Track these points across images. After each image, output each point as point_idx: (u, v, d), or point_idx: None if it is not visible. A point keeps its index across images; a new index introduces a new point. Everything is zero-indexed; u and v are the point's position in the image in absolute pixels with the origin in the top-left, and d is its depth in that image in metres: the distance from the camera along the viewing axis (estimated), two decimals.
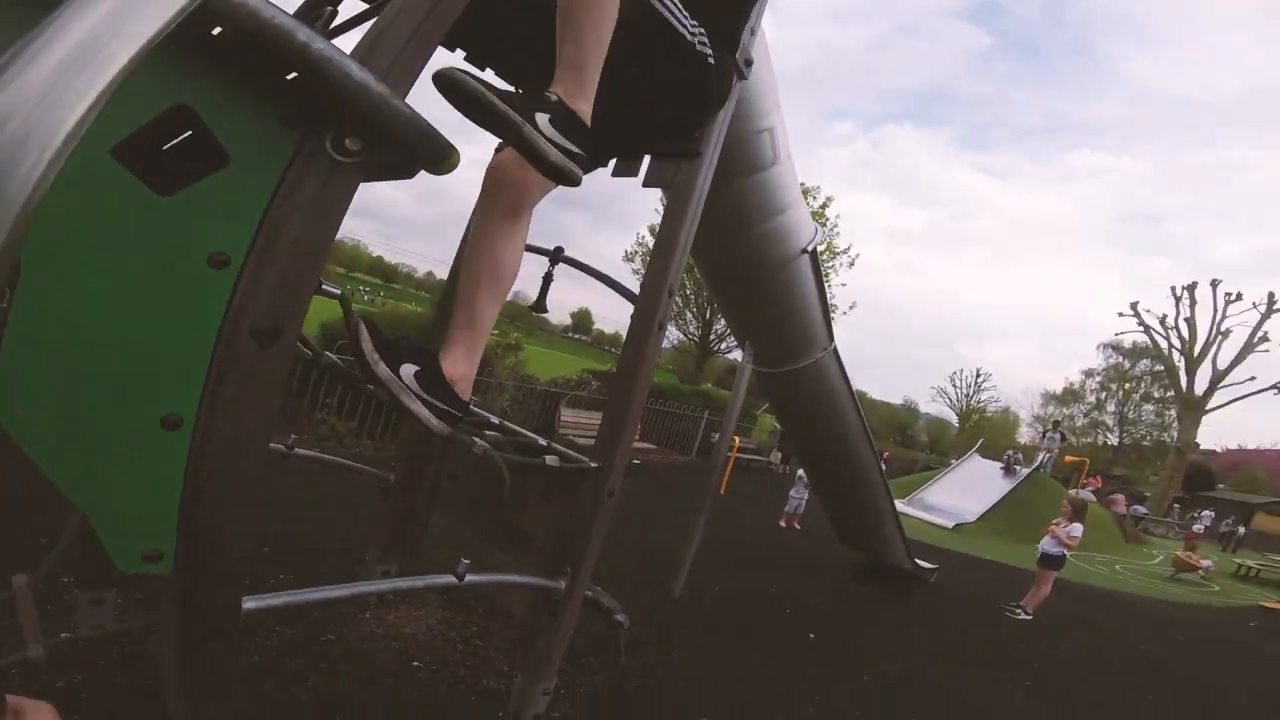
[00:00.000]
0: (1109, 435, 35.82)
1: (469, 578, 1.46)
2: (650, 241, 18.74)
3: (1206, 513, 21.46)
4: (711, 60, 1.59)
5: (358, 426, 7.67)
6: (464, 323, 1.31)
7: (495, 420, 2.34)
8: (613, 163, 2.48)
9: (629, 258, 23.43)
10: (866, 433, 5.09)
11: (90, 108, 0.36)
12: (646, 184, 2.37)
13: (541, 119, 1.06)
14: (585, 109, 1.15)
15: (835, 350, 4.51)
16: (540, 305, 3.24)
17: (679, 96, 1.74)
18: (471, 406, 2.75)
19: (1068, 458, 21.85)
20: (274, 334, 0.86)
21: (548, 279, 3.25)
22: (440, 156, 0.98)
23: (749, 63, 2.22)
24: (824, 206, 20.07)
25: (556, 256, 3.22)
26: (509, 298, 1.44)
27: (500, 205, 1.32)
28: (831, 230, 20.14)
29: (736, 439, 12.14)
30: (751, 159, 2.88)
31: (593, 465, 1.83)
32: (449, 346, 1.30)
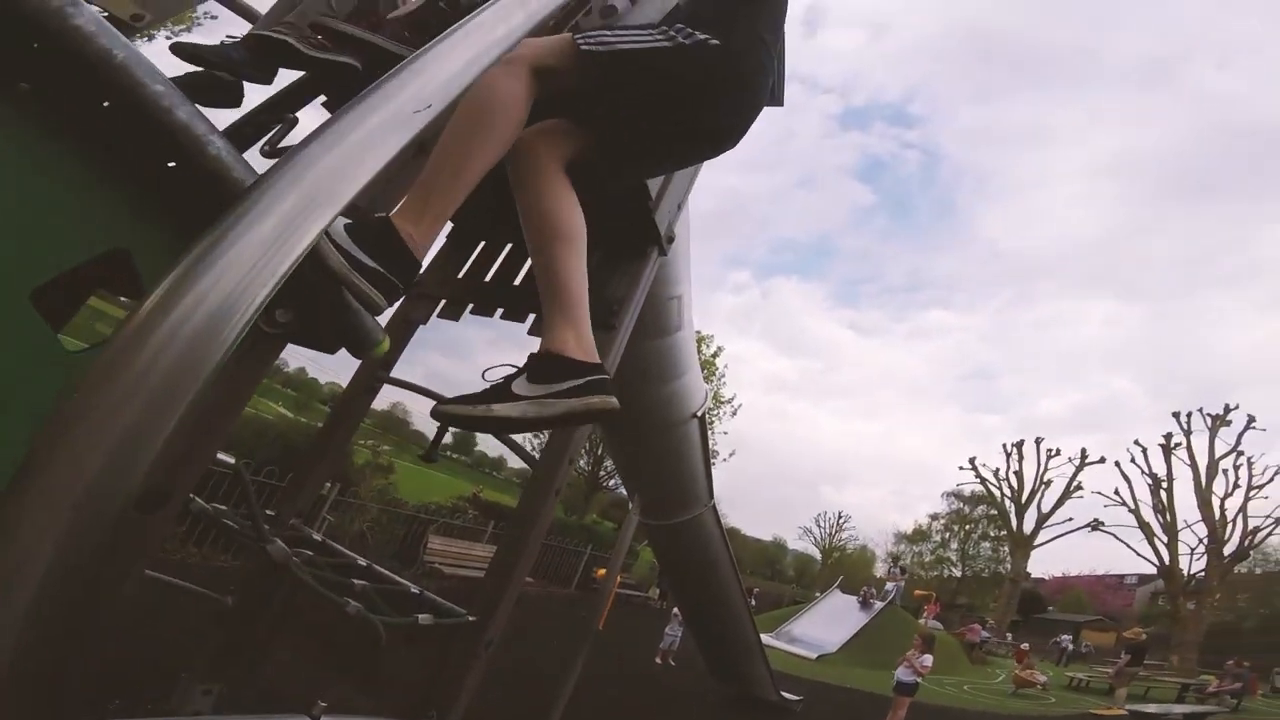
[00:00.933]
0: (953, 569, 39.95)
1: None
2: None
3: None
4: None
5: (184, 531, 6.53)
6: (546, 288, 1.16)
7: (363, 563, 2.13)
8: (531, 318, 2.57)
9: None
10: (737, 578, 5.64)
11: None
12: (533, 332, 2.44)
13: (338, 222, 0.88)
14: (418, 236, 0.98)
15: (714, 506, 4.85)
16: (433, 455, 3.09)
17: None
18: (328, 541, 2.44)
19: (916, 591, 23.73)
20: (160, 500, 0.77)
21: (442, 430, 3.13)
22: (367, 344, 0.96)
23: (671, 239, 2.48)
24: (715, 355, 21.72)
25: None
26: (389, 408, 1.27)
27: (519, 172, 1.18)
28: (719, 378, 21.65)
29: (620, 576, 12.06)
30: (659, 323, 3.13)
31: (469, 618, 1.72)
32: (554, 332, 1.12)
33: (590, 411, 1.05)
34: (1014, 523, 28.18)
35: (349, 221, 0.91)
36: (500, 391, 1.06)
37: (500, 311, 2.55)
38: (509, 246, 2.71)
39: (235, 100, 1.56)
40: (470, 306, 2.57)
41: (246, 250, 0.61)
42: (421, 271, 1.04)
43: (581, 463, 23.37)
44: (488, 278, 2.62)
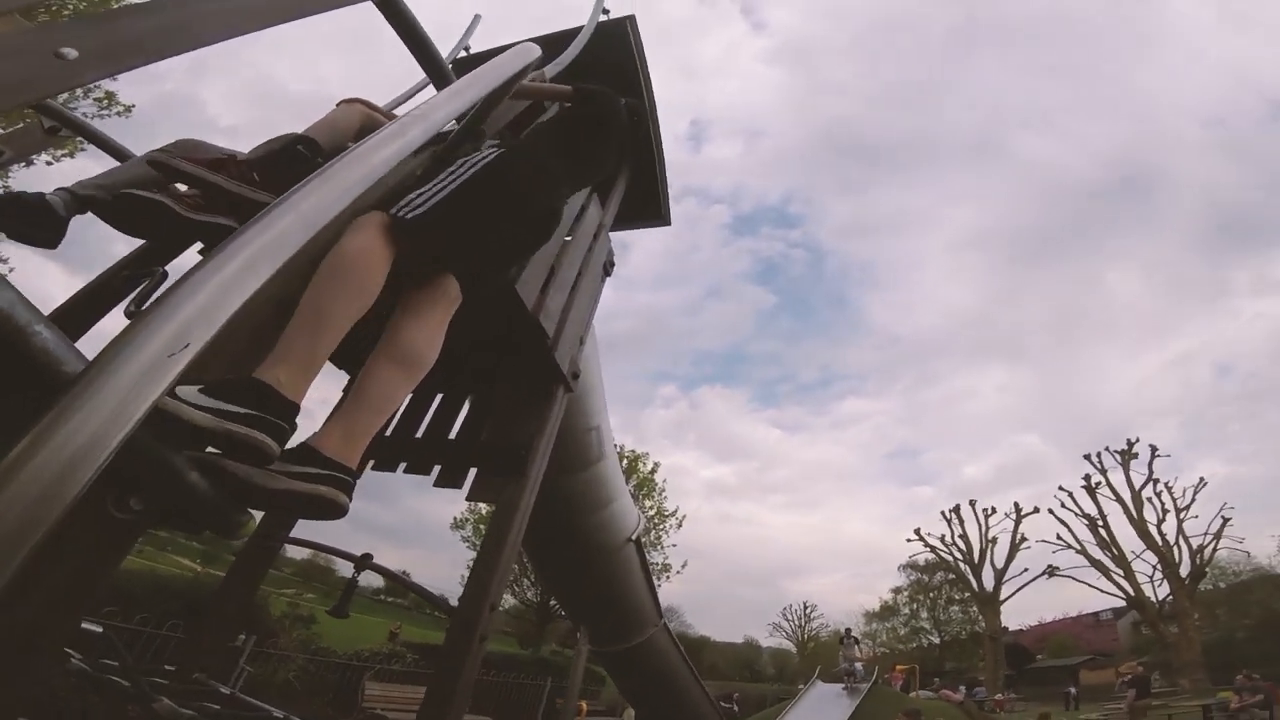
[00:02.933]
0: (930, 637, 38.93)
1: None
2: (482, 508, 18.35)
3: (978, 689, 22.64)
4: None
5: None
6: (352, 395, 1.15)
7: (279, 714, 2.12)
8: (436, 470, 2.47)
9: (458, 524, 22.61)
10: (704, 691, 5.54)
11: None
12: (471, 499, 2.38)
13: (188, 390, 0.86)
14: (287, 387, 0.97)
15: (665, 625, 4.70)
16: (342, 610, 2.84)
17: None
18: (238, 694, 2.25)
19: (898, 666, 23.06)
20: None
21: (352, 585, 2.91)
22: (231, 528, 0.93)
23: (575, 375, 2.49)
24: (653, 472, 21.49)
25: (363, 564, 2.93)
26: (311, 556, 1.18)
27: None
28: (660, 494, 21.37)
29: (584, 704, 11.84)
30: (579, 456, 3.08)
31: None
32: (328, 426, 1.10)
33: (313, 496, 1.00)
34: (974, 583, 28.35)
35: (204, 385, 0.89)
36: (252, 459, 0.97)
37: (437, 470, 2.44)
38: (438, 399, 2.70)
39: (52, 237, 1.46)
40: (403, 465, 2.48)
41: (64, 438, 0.53)
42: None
43: (530, 594, 22.27)
44: (419, 433, 2.59)
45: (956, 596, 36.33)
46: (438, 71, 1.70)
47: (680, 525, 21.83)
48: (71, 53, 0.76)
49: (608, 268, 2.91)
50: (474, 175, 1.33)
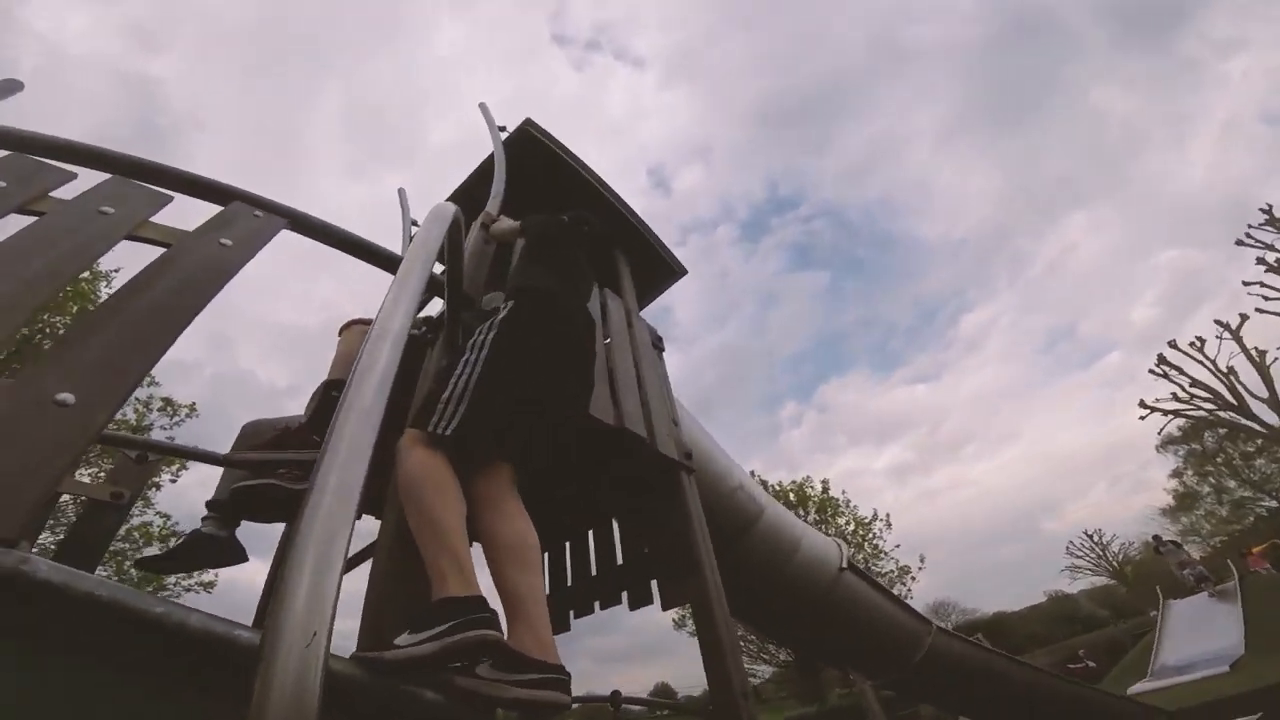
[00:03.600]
0: (1260, 505, 30.90)
1: None
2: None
3: None
4: None
5: None
6: (507, 604, 1.18)
7: None
8: (625, 596, 2.54)
9: (679, 624, 22.08)
10: (1032, 669, 4.96)
11: None
12: (666, 608, 2.38)
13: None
14: (460, 590, 1.06)
15: (940, 628, 4.33)
16: None
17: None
18: None
19: (1253, 548, 18.49)
20: None
21: None
22: None
23: (688, 454, 2.48)
24: (825, 491, 19.91)
25: (616, 701, 2.95)
26: None
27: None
28: (848, 506, 19.63)
29: None
30: (740, 518, 3.00)
31: None
32: (514, 638, 1.12)
33: (542, 702, 1.03)
34: (1257, 424, 22.97)
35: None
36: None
37: (597, 604, 2.63)
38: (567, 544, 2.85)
39: (238, 557, 1.80)
40: (597, 604, 2.63)
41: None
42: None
43: (783, 655, 21.03)
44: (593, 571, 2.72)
45: (1248, 449, 29.22)
46: (388, 262, 1.74)
47: (889, 524, 19.83)
48: (69, 398, 0.80)
49: (658, 344, 2.94)
50: (488, 359, 1.37)
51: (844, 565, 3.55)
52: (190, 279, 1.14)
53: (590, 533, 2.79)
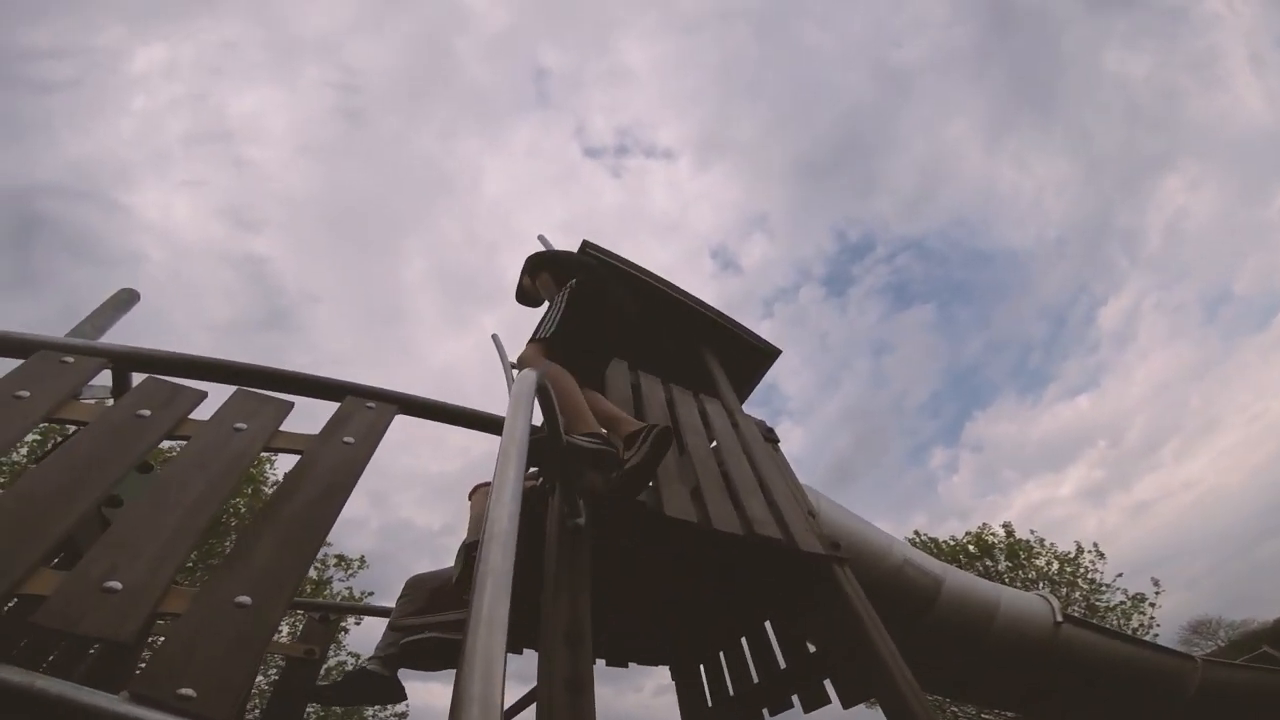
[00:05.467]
0: None
1: None
2: None
3: None
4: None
5: None
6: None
7: None
8: (795, 699, 2.39)
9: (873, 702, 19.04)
10: None
11: None
12: (847, 706, 2.21)
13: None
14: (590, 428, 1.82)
15: (1201, 660, 3.65)
16: None
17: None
18: None
19: None
20: None
21: None
22: None
23: (836, 545, 2.31)
24: (1010, 535, 17.23)
25: None
26: None
27: None
28: (1042, 546, 16.81)
29: None
30: (918, 595, 2.68)
31: None
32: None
33: (603, 452, 1.73)
34: None
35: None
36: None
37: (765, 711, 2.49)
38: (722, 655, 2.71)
39: (397, 697, 2.07)
40: (766, 711, 2.54)
41: None
42: None
43: None
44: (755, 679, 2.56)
45: None
46: (494, 425, 1.88)
47: (1100, 554, 16.54)
48: (246, 600, 0.93)
49: (770, 436, 2.83)
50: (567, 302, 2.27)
51: (1059, 619, 2.99)
52: (326, 481, 1.26)
53: (744, 640, 2.65)
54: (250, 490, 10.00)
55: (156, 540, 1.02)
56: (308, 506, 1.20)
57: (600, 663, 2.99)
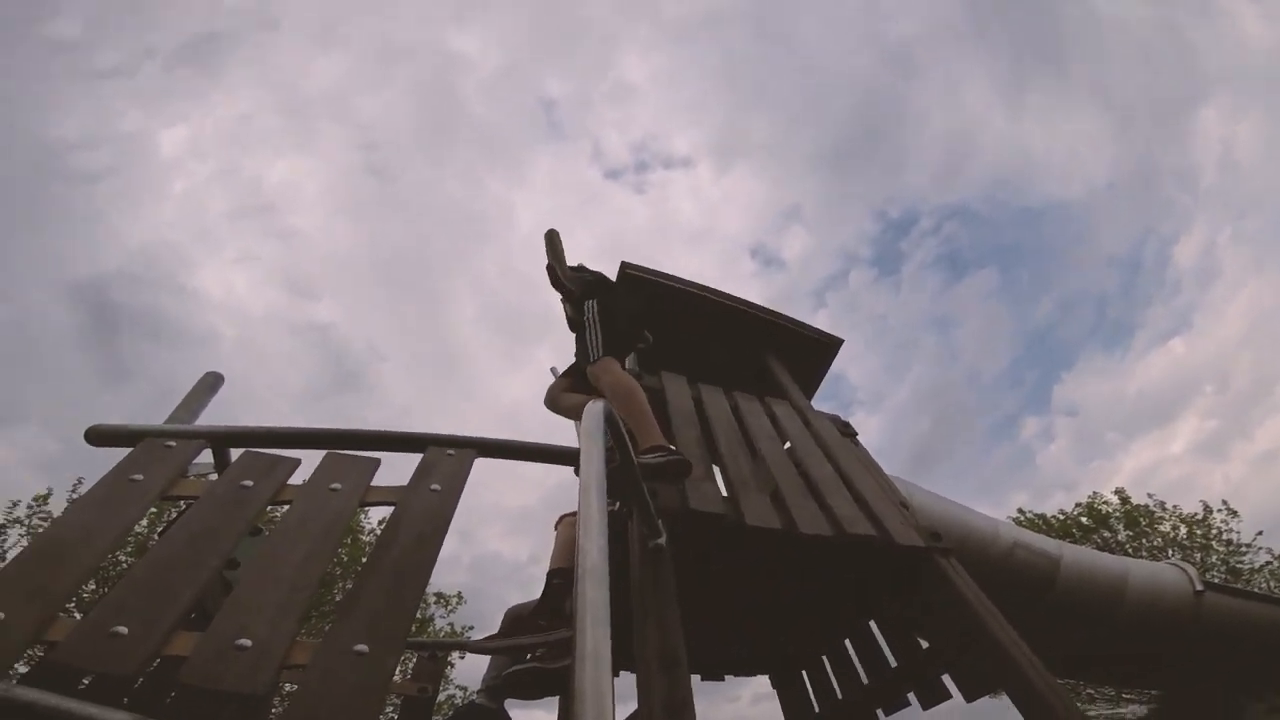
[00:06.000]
0: None
1: None
2: None
3: None
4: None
5: None
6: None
7: None
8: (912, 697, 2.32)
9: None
10: None
11: None
12: (971, 699, 2.10)
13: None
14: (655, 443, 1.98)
15: None
16: None
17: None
18: None
19: None
20: None
21: None
22: None
23: (935, 535, 2.20)
24: (1125, 501, 15.64)
25: None
26: None
27: None
28: (1165, 511, 15.20)
29: None
30: (1036, 576, 2.52)
31: None
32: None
33: (670, 463, 1.87)
34: None
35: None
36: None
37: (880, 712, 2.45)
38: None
39: None
40: (880, 711, 2.48)
41: None
42: None
43: None
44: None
45: None
46: (569, 456, 1.89)
47: (1232, 511, 14.73)
48: (364, 648, 0.99)
49: (847, 431, 2.73)
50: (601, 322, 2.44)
51: (1199, 588, 2.72)
52: (420, 528, 1.33)
53: (848, 641, 2.57)
54: (349, 540, 10.55)
55: (275, 598, 1.09)
56: (407, 554, 1.26)
57: (695, 678, 2.96)
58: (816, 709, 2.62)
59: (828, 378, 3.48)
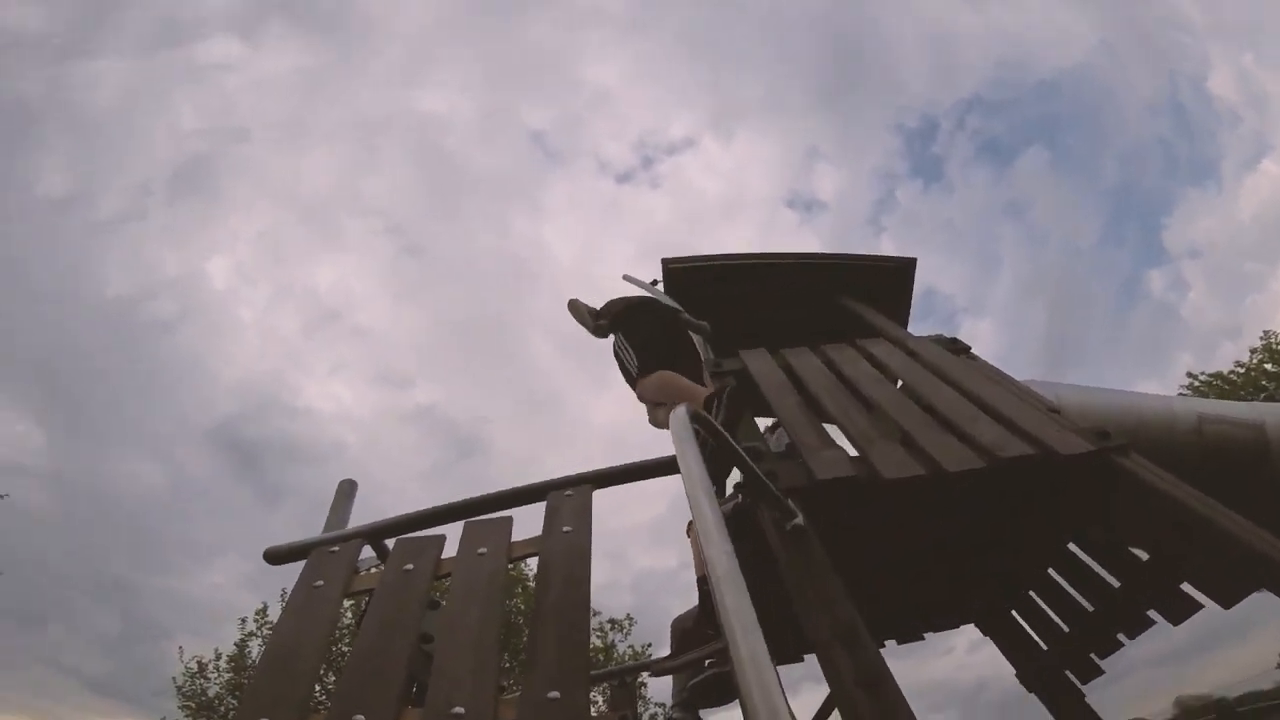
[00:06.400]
0: None
1: None
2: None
3: None
4: None
5: None
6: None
7: None
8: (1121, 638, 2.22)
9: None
10: None
11: None
12: (1231, 603, 1.81)
13: None
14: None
15: None
16: None
17: None
18: None
19: None
20: None
21: None
22: None
23: (1103, 433, 1.97)
24: None
25: None
26: None
27: None
28: None
29: None
30: (1232, 449, 2.20)
31: None
32: None
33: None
34: None
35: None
36: None
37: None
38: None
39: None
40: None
41: None
42: None
43: None
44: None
45: None
46: (672, 466, 1.96)
47: None
48: (556, 694, 1.04)
49: (956, 347, 2.54)
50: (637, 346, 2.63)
51: None
52: (566, 569, 1.40)
53: (1052, 572, 2.38)
54: (520, 589, 11.26)
55: (468, 664, 1.18)
56: (563, 595, 1.32)
57: (891, 644, 2.84)
58: (1044, 646, 2.43)
59: (917, 299, 3.27)
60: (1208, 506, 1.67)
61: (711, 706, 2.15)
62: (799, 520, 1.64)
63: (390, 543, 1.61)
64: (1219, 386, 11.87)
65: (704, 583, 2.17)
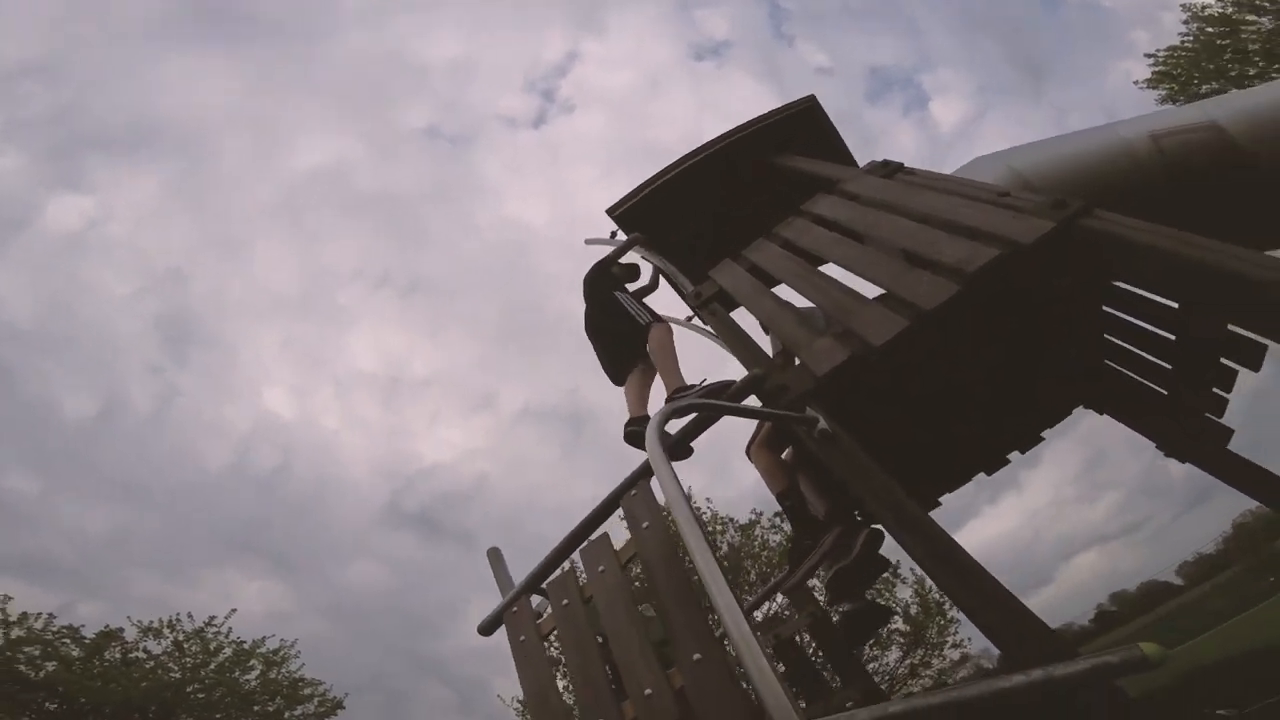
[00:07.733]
0: None
1: None
2: None
3: None
4: None
5: None
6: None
7: None
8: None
9: None
10: None
11: None
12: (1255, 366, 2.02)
13: None
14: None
15: None
16: None
17: None
18: None
19: None
20: None
21: None
22: None
23: (1060, 202, 1.96)
24: None
25: None
26: None
27: None
28: None
29: None
30: (1205, 157, 2.03)
31: None
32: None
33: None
34: None
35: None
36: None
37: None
38: None
39: (884, 611, 2.76)
40: None
41: None
42: None
43: None
44: None
45: None
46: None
47: None
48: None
49: (888, 171, 2.60)
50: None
51: None
52: (660, 556, 1.75)
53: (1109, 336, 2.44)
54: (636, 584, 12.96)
55: (635, 655, 1.61)
56: (667, 578, 1.69)
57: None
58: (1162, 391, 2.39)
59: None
60: (1210, 249, 1.50)
61: (849, 599, 2.34)
62: (823, 425, 1.73)
63: (546, 585, 2.03)
64: (1182, 60, 10.65)
65: (783, 499, 2.38)
